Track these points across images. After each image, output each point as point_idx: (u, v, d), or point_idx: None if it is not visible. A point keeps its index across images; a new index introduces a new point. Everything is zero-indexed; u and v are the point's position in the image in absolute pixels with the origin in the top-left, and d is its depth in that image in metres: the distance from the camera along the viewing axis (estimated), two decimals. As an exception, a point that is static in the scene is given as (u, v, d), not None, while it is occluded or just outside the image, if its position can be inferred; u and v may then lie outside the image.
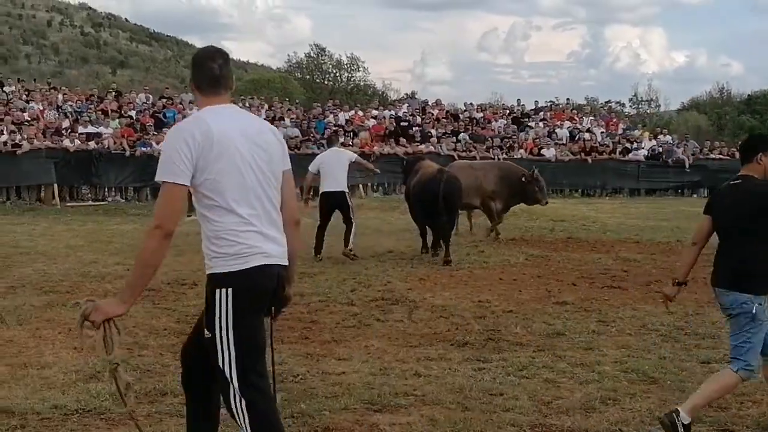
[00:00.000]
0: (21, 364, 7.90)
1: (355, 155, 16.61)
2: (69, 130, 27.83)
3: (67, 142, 26.73)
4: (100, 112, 30.18)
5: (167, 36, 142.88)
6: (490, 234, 18.20)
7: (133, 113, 31.03)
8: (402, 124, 34.91)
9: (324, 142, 30.42)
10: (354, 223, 15.37)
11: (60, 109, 30.04)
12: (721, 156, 36.24)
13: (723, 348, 8.68)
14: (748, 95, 67.69)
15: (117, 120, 29.53)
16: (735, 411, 6.74)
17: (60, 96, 31.55)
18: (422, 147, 31.60)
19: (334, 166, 15.48)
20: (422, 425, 6.34)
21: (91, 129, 28.26)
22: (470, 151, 32.49)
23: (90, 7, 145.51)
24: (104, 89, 37.60)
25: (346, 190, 15.57)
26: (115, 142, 27.57)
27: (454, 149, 32.69)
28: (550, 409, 6.76)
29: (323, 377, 7.56)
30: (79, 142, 26.93)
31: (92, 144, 27.19)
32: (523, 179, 17.93)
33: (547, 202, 18.65)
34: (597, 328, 9.66)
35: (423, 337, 9.24)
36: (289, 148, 25.56)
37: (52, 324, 9.40)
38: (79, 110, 30.22)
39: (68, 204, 25.54)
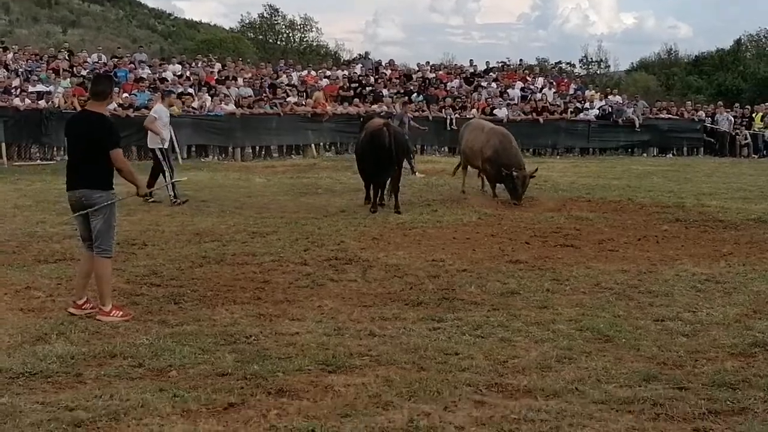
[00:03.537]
0: (-35, 326, 7.74)
1: (151, 115, 17.15)
2: (19, 89, 27.35)
3: (17, 101, 26.29)
4: (51, 71, 29.76)
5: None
6: (494, 196, 17.81)
7: (84, 72, 30.53)
8: (353, 84, 34.73)
9: (277, 102, 30.34)
10: (166, 172, 16.56)
11: (9, 68, 29.49)
12: (669, 116, 36.49)
13: (676, 306, 8.74)
14: (696, 56, 68.04)
15: (68, 79, 29.09)
16: (690, 368, 6.73)
17: (10, 55, 30.98)
18: (375, 107, 31.43)
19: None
20: (377, 386, 6.27)
21: (41, 88, 27.81)
22: (423, 111, 32.44)
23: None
24: (56, 48, 36.87)
25: (151, 146, 17.05)
26: (65, 102, 27.09)
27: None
28: (506, 368, 6.73)
29: (276, 338, 7.48)
30: (29, 101, 26.49)
31: (42, 103, 26.72)
32: (503, 171, 16.91)
33: (516, 203, 16.68)
34: (551, 286, 9.66)
35: (377, 296, 9.18)
36: (242, 107, 25.41)
37: (-2, 285, 9.22)
38: (30, 69, 29.71)
39: (16, 163, 25.12)
